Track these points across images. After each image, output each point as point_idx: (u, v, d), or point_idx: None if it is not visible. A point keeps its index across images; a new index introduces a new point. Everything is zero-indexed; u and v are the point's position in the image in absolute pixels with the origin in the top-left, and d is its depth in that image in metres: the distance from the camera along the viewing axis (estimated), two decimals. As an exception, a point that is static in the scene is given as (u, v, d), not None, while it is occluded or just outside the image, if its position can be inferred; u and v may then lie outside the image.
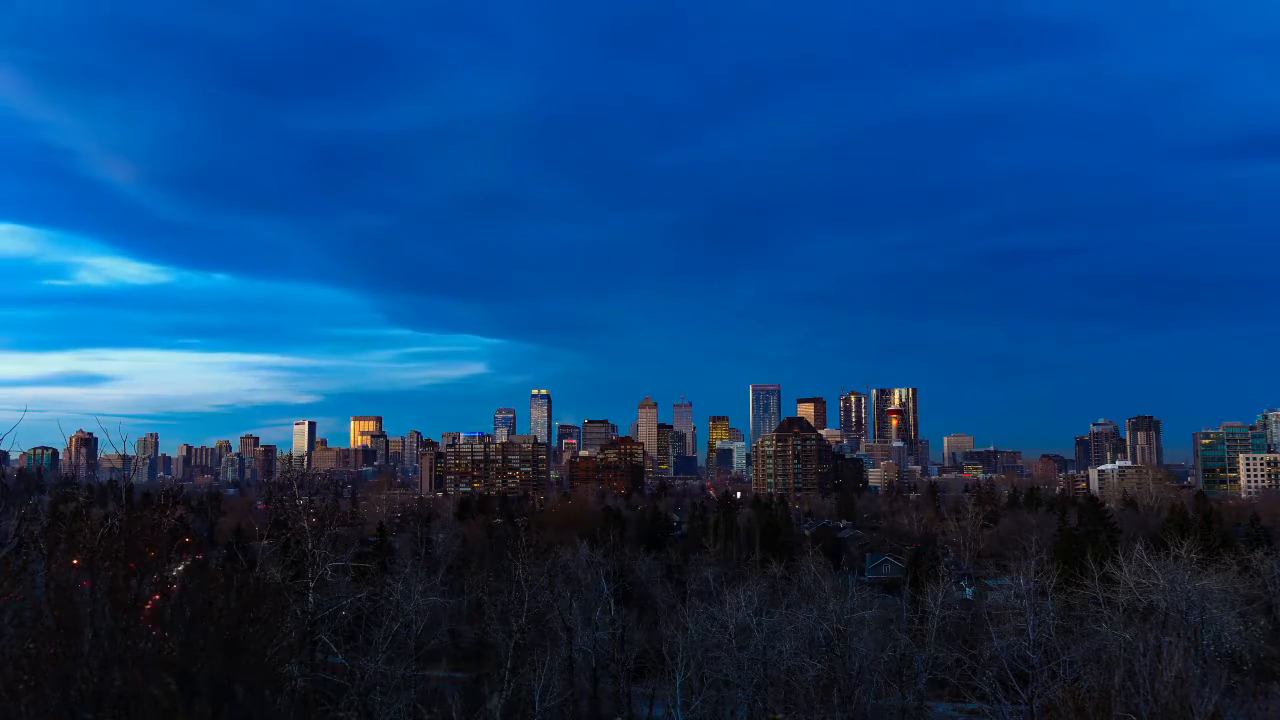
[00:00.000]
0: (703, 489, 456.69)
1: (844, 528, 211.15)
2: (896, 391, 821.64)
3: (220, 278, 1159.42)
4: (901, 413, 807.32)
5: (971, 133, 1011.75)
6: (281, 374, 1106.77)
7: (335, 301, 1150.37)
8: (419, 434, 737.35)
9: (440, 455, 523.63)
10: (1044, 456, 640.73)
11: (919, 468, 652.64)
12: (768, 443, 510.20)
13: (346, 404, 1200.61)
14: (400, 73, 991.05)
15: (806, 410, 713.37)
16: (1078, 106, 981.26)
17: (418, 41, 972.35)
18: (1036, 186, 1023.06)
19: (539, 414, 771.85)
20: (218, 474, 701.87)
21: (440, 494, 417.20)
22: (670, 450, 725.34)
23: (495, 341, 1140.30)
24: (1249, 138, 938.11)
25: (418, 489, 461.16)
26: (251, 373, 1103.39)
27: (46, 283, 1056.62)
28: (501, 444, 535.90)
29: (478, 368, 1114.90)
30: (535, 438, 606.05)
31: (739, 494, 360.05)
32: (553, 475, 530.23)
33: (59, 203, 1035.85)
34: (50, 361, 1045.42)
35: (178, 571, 30.52)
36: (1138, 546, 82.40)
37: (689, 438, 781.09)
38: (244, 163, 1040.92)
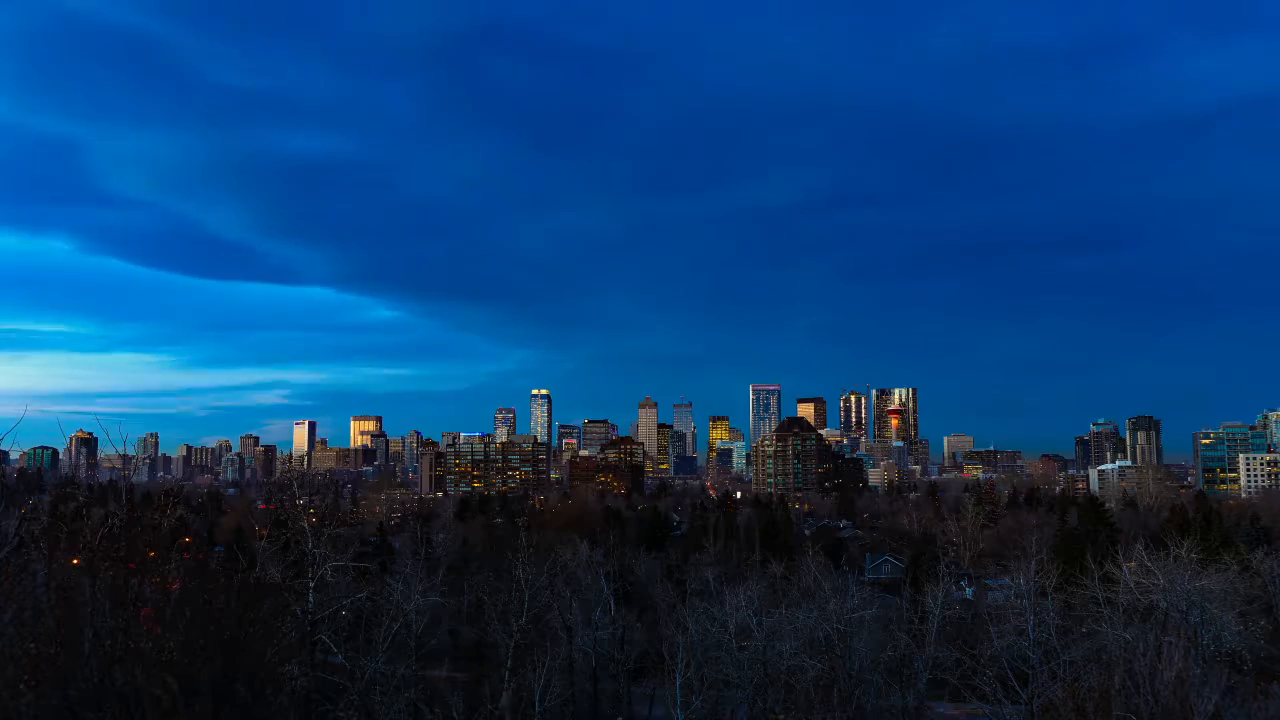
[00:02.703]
0: (703, 489, 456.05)
1: (844, 527, 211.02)
2: (896, 391, 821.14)
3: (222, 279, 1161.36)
4: (901, 413, 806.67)
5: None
6: (282, 374, 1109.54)
7: (336, 302, 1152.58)
8: (419, 434, 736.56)
9: (440, 455, 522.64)
10: (1044, 456, 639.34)
11: (919, 468, 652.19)
12: (768, 443, 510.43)
13: (347, 404, 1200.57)
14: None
15: (806, 410, 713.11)
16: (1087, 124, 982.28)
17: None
18: (1040, 193, 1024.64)
19: (539, 414, 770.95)
20: (218, 474, 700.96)
21: (440, 494, 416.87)
22: (670, 450, 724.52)
23: (496, 341, 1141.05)
24: (1252, 138, 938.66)
25: (418, 489, 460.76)
26: (258, 373, 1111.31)
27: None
28: (502, 444, 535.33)
29: (478, 367, 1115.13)
30: (535, 437, 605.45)
31: (739, 494, 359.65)
32: (553, 475, 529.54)
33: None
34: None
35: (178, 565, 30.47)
36: (1138, 546, 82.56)
37: (689, 438, 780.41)
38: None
